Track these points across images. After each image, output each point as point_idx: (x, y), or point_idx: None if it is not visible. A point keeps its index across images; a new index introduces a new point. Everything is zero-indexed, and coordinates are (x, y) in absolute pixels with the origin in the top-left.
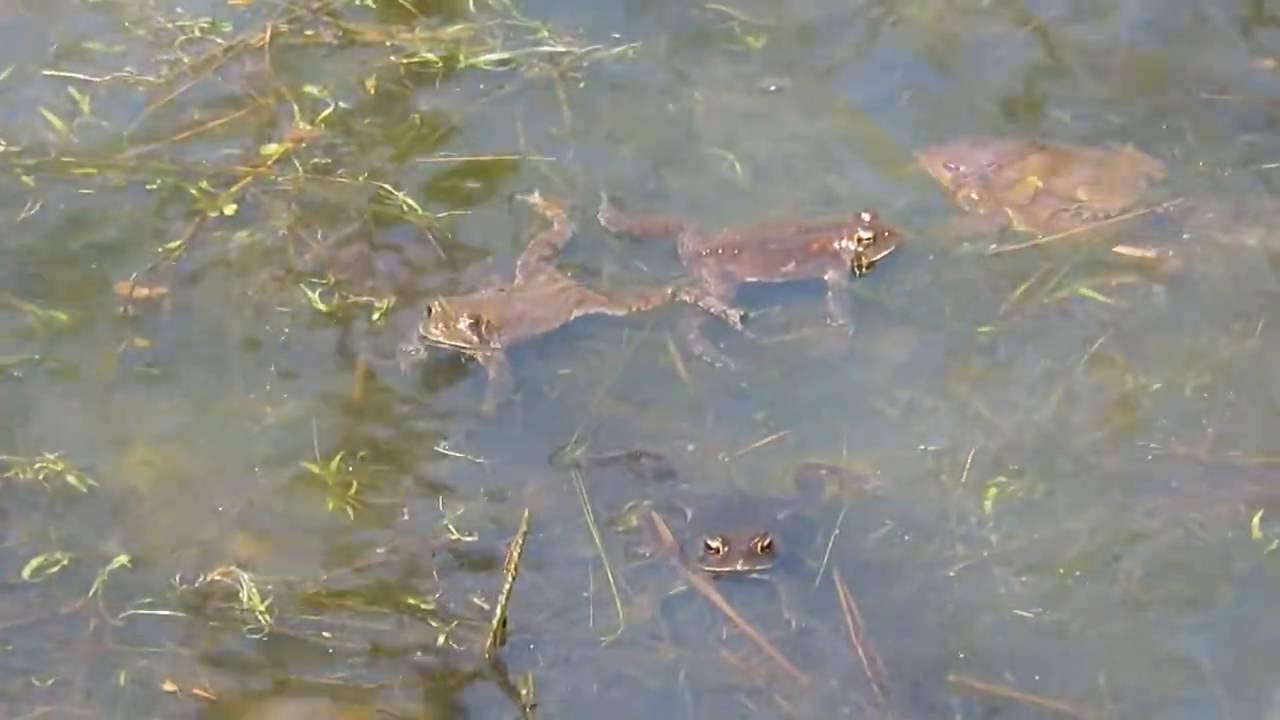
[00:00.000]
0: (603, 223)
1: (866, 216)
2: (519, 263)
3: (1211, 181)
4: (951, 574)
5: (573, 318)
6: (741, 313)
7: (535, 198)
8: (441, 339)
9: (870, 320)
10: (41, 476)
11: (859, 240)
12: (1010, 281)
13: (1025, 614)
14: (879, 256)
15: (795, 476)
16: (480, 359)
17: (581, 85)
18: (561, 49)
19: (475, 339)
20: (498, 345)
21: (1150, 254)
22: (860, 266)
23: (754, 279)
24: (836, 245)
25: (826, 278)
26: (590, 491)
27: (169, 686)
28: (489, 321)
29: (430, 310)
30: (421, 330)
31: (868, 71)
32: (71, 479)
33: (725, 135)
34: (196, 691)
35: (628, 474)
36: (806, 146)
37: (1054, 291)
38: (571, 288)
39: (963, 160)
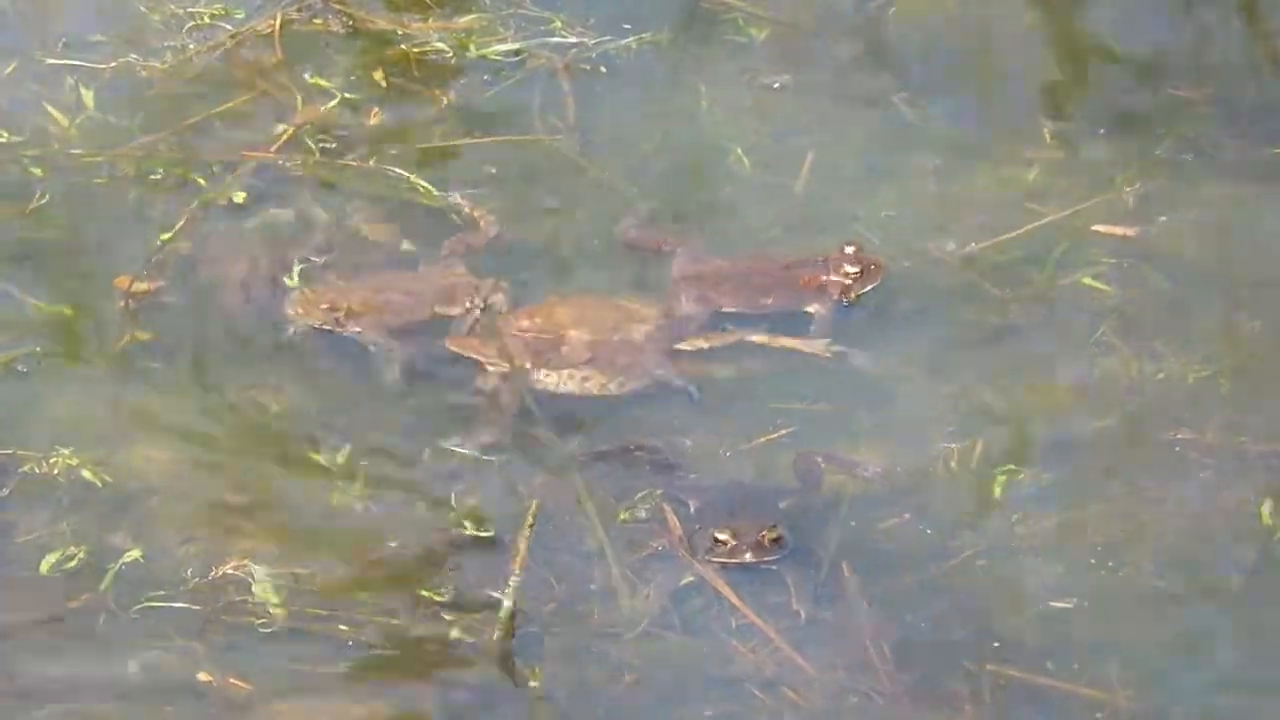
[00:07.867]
0: (625, 238)
1: (850, 250)
2: (441, 255)
3: (1187, 167)
4: (959, 563)
5: (434, 314)
6: None
7: (459, 199)
8: (309, 320)
9: (873, 312)
10: (56, 471)
11: (845, 274)
12: (1005, 273)
13: (1034, 602)
14: (865, 289)
15: (793, 466)
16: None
17: (603, 70)
18: (573, 40)
19: (333, 324)
20: (357, 329)
21: (1130, 232)
22: (848, 298)
23: (732, 309)
24: (822, 279)
25: (811, 309)
26: (597, 484)
27: (204, 677)
28: (349, 308)
29: (293, 296)
30: (288, 310)
31: (867, 66)
32: (87, 473)
33: (730, 127)
34: (233, 682)
35: (629, 467)
36: (806, 141)
37: (1051, 279)
38: (462, 284)
39: None
